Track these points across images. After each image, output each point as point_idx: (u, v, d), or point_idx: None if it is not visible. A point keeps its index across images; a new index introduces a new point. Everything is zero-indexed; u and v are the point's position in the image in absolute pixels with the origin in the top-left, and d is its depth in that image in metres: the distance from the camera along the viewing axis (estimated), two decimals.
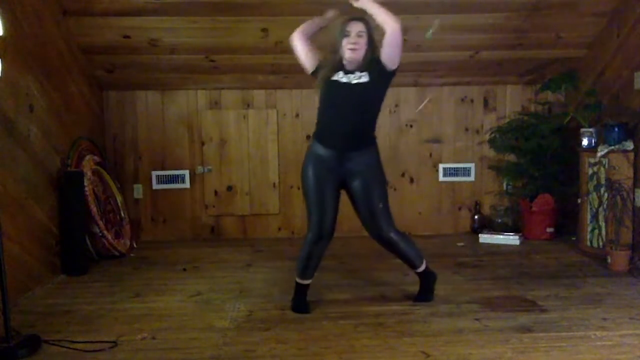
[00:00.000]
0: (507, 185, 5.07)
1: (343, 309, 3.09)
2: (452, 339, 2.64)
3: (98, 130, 4.77)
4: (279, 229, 5.07)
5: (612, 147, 3.92)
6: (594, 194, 4.06)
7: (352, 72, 2.88)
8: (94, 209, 4.11)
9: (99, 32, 4.19)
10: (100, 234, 4.16)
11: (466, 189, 5.12)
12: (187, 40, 4.33)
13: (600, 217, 4.03)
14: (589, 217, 4.12)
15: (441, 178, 5.10)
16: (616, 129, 3.95)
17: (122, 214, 4.63)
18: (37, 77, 3.66)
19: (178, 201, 5.00)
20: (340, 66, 2.91)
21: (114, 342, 2.64)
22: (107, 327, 2.85)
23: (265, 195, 5.02)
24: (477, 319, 2.88)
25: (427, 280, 3.19)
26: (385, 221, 2.99)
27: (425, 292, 3.19)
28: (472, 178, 5.11)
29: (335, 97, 2.91)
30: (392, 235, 3.02)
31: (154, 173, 4.96)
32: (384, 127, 4.97)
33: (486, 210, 5.11)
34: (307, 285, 3.09)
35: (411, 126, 5.05)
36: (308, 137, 4.69)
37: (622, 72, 4.15)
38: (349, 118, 2.89)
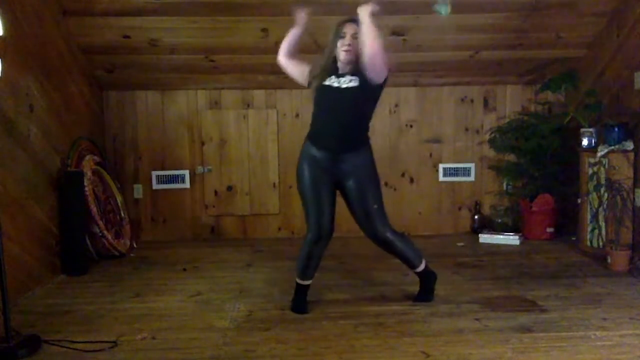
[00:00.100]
0: (507, 185, 5.07)
1: (343, 309, 3.09)
2: (452, 339, 2.64)
3: (98, 130, 4.78)
4: (279, 229, 5.08)
5: (612, 147, 3.92)
6: (594, 194, 4.06)
7: (343, 75, 2.89)
8: (94, 209, 4.11)
9: (99, 32, 4.19)
10: (100, 234, 4.16)
11: (466, 189, 5.12)
12: (187, 40, 4.34)
13: (600, 217, 4.03)
14: (589, 217, 4.12)
15: (441, 178, 5.10)
16: (616, 129, 3.95)
17: (122, 214, 4.63)
18: (37, 77, 3.66)
19: (178, 201, 5.00)
20: (333, 70, 2.91)
21: (114, 342, 2.64)
22: (107, 327, 2.85)
23: (265, 195, 5.02)
24: (477, 319, 2.88)
25: (427, 280, 3.19)
26: (381, 221, 2.99)
27: (425, 292, 3.19)
28: (472, 178, 5.11)
29: (327, 101, 2.93)
30: (388, 235, 3.02)
31: (154, 173, 4.96)
32: (384, 127, 4.98)
33: (486, 210, 5.11)
34: (308, 285, 3.10)
35: (411, 126, 5.05)
36: None
37: (622, 72, 4.15)
38: (340, 121, 2.91)
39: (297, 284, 3.09)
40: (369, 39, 2.72)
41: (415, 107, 5.04)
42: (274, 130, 4.96)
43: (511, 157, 4.97)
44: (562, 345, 2.53)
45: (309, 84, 3.01)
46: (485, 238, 4.73)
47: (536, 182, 4.82)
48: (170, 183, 4.97)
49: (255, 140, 4.98)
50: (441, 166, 5.09)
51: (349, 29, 2.85)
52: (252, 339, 2.68)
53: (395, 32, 4.28)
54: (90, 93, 4.61)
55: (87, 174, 4.14)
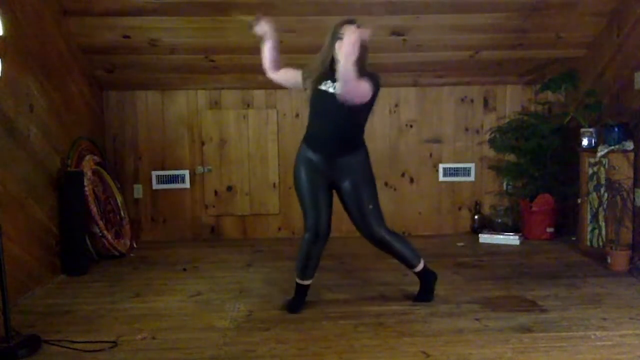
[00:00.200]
0: (507, 185, 5.07)
1: (343, 309, 3.09)
2: (452, 339, 2.64)
3: (98, 130, 4.77)
4: (279, 229, 5.07)
5: (612, 147, 3.92)
6: (594, 194, 4.06)
7: (338, 80, 2.87)
8: (94, 209, 4.11)
9: (99, 32, 4.19)
10: (100, 234, 4.16)
11: (466, 189, 5.12)
12: (187, 40, 4.33)
13: (600, 217, 4.03)
14: (589, 217, 4.12)
15: (441, 178, 5.10)
16: (616, 129, 3.95)
17: (122, 214, 4.63)
18: (37, 77, 3.66)
19: (178, 201, 5.00)
20: (329, 74, 2.89)
21: (114, 342, 2.65)
22: (107, 327, 2.86)
23: (265, 195, 5.02)
24: (477, 319, 2.88)
25: (427, 280, 3.20)
26: (376, 221, 3.00)
27: (425, 292, 3.19)
28: (472, 178, 5.11)
29: (322, 106, 2.93)
30: (384, 235, 3.03)
31: (154, 173, 4.96)
32: (384, 127, 4.98)
33: (486, 210, 5.10)
34: (308, 286, 3.11)
35: (411, 126, 5.05)
36: None
37: (622, 72, 4.15)
38: (335, 126, 2.91)
39: (297, 284, 3.10)
40: (344, 75, 2.60)
41: (415, 107, 5.04)
42: (274, 130, 4.96)
43: (511, 157, 4.97)
44: (562, 345, 2.54)
45: (305, 85, 3.02)
46: (485, 238, 4.73)
47: (536, 182, 4.82)
48: (170, 183, 4.97)
49: (255, 140, 4.98)
50: (441, 166, 5.09)
51: (347, 31, 2.84)
52: (252, 339, 2.68)
53: (395, 32, 4.28)
54: (90, 93, 4.61)
55: (87, 174, 4.14)
